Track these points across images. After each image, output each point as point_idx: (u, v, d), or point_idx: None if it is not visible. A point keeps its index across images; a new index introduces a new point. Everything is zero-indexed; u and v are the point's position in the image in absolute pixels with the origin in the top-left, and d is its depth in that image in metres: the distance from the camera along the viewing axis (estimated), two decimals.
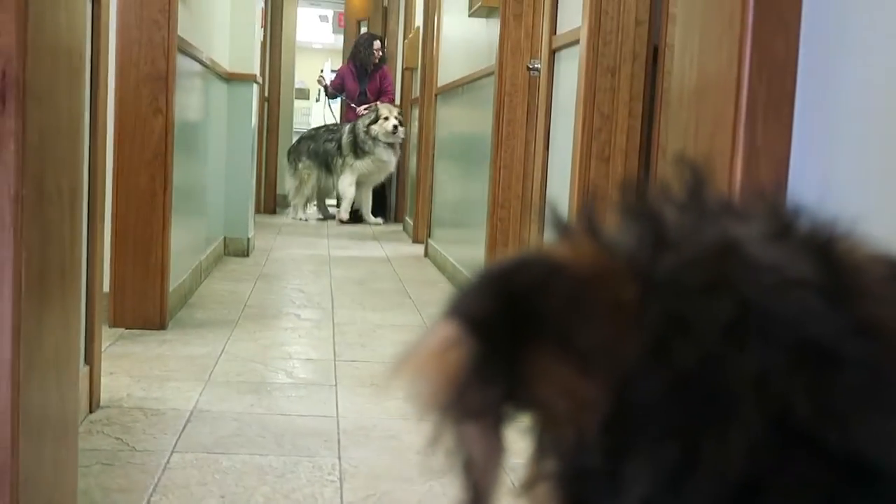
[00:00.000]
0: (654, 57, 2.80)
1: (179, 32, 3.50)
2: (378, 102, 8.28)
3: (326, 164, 8.32)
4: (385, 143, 8.04)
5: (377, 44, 8.45)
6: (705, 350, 0.36)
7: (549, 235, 0.42)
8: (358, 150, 8.10)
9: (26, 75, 1.28)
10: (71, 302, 1.63)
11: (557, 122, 3.16)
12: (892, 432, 0.36)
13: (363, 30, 9.65)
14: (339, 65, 10.07)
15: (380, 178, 8.30)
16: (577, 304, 0.38)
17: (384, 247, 6.78)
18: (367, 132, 8.05)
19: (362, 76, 8.48)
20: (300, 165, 8.37)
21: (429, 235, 6.23)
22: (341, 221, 8.22)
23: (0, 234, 1.28)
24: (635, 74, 2.79)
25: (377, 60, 8.44)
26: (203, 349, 3.33)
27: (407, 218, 7.82)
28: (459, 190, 5.32)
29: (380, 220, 8.44)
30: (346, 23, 10.43)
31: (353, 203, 8.29)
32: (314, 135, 8.52)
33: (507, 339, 0.38)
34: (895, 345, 0.38)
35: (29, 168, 1.31)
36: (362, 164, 8.14)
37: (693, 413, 0.36)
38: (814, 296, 0.37)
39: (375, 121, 8.04)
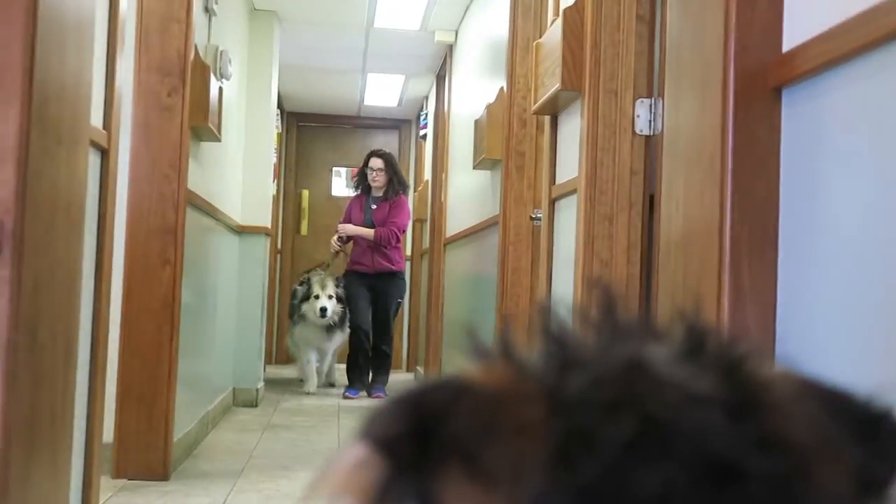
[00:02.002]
0: (651, 205, 2.85)
1: (190, 186, 3.60)
2: (314, 275, 6.68)
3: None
4: (316, 325, 6.55)
5: (374, 161, 6.44)
6: (608, 465, 0.37)
7: (469, 360, 0.43)
8: (295, 315, 6.74)
9: (24, 226, 1.32)
10: (60, 452, 1.63)
11: (559, 269, 3.19)
12: None
13: None
14: None
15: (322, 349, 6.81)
16: (484, 423, 0.39)
17: None
18: (298, 307, 6.62)
19: (368, 206, 6.54)
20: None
21: None
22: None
23: None
24: (632, 222, 2.83)
25: (378, 182, 6.45)
26: (205, 500, 3.28)
27: (418, 367, 7.79)
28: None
29: (329, 389, 6.91)
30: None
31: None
32: None
33: (415, 458, 0.38)
34: (800, 458, 0.38)
35: (23, 316, 1.34)
36: (298, 331, 6.74)
37: None
38: (717, 411, 0.38)
39: (307, 297, 6.56)
